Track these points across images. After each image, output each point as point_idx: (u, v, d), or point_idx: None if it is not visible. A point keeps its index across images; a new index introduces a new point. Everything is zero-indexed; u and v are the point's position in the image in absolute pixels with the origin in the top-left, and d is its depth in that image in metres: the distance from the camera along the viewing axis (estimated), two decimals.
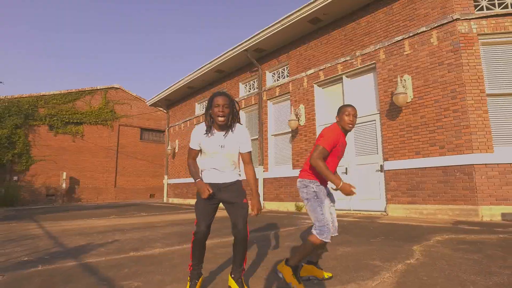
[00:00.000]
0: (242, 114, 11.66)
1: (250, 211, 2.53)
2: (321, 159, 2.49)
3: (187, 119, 14.82)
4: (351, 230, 5.22)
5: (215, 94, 2.46)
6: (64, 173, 16.95)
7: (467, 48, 6.01)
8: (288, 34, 9.28)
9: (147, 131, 21.30)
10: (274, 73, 10.59)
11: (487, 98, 5.92)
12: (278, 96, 10.02)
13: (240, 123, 2.59)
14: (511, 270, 2.77)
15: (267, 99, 10.39)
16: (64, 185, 16.90)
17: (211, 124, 2.47)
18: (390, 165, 6.85)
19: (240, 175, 2.64)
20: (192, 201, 13.68)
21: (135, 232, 5.82)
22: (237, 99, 11.60)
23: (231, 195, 2.52)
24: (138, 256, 3.94)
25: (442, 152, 6.08)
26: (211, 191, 2.41)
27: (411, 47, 6.72)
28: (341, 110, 2.66)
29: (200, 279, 2.54)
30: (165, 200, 16.00)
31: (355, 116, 2.63)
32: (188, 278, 2.55)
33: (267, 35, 9.38)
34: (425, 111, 6.41)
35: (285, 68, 10.08)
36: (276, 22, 8.94)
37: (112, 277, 3.07)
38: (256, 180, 2.58)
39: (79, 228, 6.57)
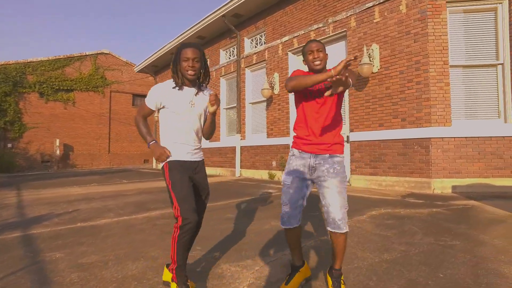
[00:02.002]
0: (222, 82, 11.52)
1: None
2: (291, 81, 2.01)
3: None
4: None
5: (183, 45, 2.07)
6: (58, 140, 17.24)
7: (434, 16, 5.73)
8: None
9: (139, 96, 21.23)
10: (252, 40, 10.29)
11: (450, 70, 5.75)
12: (255, 63, 9.81)
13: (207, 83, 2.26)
14: (406, 247, 2.88)
15: (245, 67, 10.19)
16: (58, 152, 17.26)
17: (180, 80, 2.09)
18: (355, 136, 6.84)
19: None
20: None
21: (100, 201, 6.03)
22: (217, 67, 11.45)
23: (202, 182, 2.26)
24: (82, 226, 4.14)
25: (403, 125, 6.03)
26: (169, 154, 2.09)
27: (381, 15, 6.43)
28: (304, 51, 2.18)
29: (189, 282, 2.09)
30: (154, 166, 16.33)
31: (319, 51, 2.09)
32: (175, 284, 2.08)
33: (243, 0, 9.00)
34: (390, 82, 6.26)
35: (262, 35, 9.78)
36: None
37: (42, 248, 3.27)
38: (213, 126, 2.30)
39: (52, 197, 6.82)
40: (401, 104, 6.07)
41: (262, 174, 9.29)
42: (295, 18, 8.39)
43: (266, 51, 9.29)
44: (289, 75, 8.50)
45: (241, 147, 10.18)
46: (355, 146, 6.87)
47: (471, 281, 2.19)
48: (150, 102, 2.16)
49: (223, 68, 11.27)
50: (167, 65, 15.31)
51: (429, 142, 5.67)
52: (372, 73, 6.48)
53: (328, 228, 1.99)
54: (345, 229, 1.94)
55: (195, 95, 2.15)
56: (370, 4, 6.57)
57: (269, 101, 9.13)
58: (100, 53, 19.34)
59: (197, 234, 2.27)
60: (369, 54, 6.43)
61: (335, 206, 1.94)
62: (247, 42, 10.37)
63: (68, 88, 18.20)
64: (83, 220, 4.48)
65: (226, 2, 9.44)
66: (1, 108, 16.20)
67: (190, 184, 2.12)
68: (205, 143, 12.10)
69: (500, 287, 2.11)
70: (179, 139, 2.14)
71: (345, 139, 7.15)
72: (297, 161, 2.08)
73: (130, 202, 5.88)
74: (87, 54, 18.82)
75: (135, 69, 16.87)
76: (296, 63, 8.62)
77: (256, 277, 2.39)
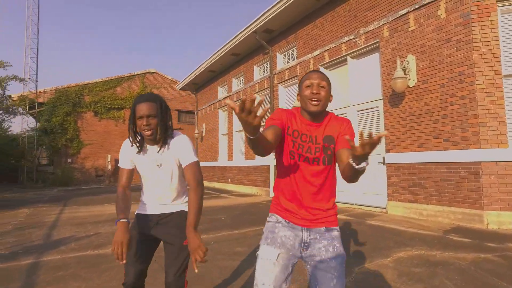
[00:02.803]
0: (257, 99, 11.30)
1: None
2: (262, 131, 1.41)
3: (212, 102, 14.89)
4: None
5: (136, 101, 1.84)
6: (109, 156, 18.40)
7: (481, 19, 4.93)
8: (293, 12, 8.58)
9: (184, 113, 21.97)
10: (284, 55, 9.98)
11: (504, 81, 4.86)
12: (287, 79, 9.47)
13: (176, 130, 1.96)
14: None
15: (278, 83, 9.89)
16: (109, 167, 18.41)
17: (137, 140, 1.88)
18: (392, 157, 6.12)
19: (186, 204, 2.00)
20: (217, 185, 13.97)
21: None
22: (251, 83, 11.30)
23: (170, 231, 1.92)
24: (89, 255, 4.11)
25: (446, 146, 5.23)
26: (123, 255, 1.69)
27: (417, 22, 5.73)
28: (301, 81, 1.61)
29: None
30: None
31: (321, 87, 1.54)
32: None
33: (272, 15, 8.78)
34: (429, 97, 5.51)
35: (294, 50, 9.42)
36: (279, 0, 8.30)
37: (39, 281, 3.24)
38: (197, 203, 1.78)
39: (85, 216, 7.07)
40: (443, 122, 5.28)
41: None
42: (326, 31, 7.93)
43: (298, 66, 8.91)
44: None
45: (275, 166, 9.80)
46: (391, 169, 6.14)
47: None
48: (123, 161, 1.96)
49: (257, 85, 11.10)
50: (206, 83, 15.62)
51: (478, 167, 4.81)
52: (408, 87, 5.77)
53: None
54: None
55: (160, 153, 1.88)
56: (404, 11, 5.91)
57: None
58: (147, 72, 20.46)
59: None
60: (404, 67, 5.74)
61: None
62: (279, 57, 10.09)
63: (119, 106, 19.45)
64: (94, 247, 4.47)
65: (257, 18, 9.31)
66: (63, 127, 17.78)
67: (141, 248, 1.89)
68: (242, 162, 11.94)
69: None
70: (145, 193, 1.99)
71: (381, 160, 6.45)
72: (286, 230, 1.56)
73: None
74: (135, 74, 20.02)
75: (177, 87, 17.51)
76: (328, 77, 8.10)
77: None
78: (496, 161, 4.74)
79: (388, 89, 6.23)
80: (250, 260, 3.74)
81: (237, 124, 12.69)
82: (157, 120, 1.81)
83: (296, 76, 9.01)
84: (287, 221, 1.57)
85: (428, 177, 5.47)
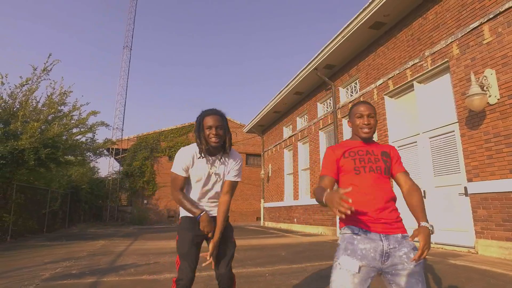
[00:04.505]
0: (321, 135, 11.08)
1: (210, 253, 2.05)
2: (320, 187, 1.56)
3: (277, 143, 15.01)
4: None
5: (205, 113, 2.08)
6: None
7: None
8: (352, 45, 8.50)
9: (252, 156, 22.50)
10: (347, 89, 9.77)
11: None
12: None
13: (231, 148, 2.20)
14: None
15: (342, 117, 9.59)
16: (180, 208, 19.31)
17: (204, 147, 2.07)
18: (476, 187, 5.23)
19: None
20: (283, 225, 13.53)
21: None
22: (315, 120, 11.19)
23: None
24: (144, 279, 4.18)
25: None
26: (212, 227, 2.08)
27: (493, 33, 5.16)
28: (351, 111, 1.84)
29: None
30: (261, 223, 16.30)
31: (370, 116, 1.75)
32: None
33: (331, 50, 8.82)
34: None
35: (357, 82, 9.18)
36: (336, 34, 8.35)
37: None
38: (224, 216, 2.11)
39: (149, 249, 7.32)
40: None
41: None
42: (388, 59, 7.61)
43: (361, 98, 8.60)
44: (387, 121, 7.53)
45: None
46: (477, 201, 5.23)
47: None
48: (178, 168, 2.10)
49: (320, 121, 10.94)
50: (271, 124, 15.96)
51: None
52: (489, 105, 5.06)
53: None
54: None
55: (219, 162, 2.14)
56: (476, 24, 5.39)
57: None
58: None
59: None
60: (481, 83, 5.10)
61: None
62: (342, 91, 9.91)
63: None
64: (150, 273, 4.52)
65: (316, 54, 9.43)
66: (141, 170, 19.53)
67: (195, 241, 2.11)
68: (307, 201, 11.50)
69: None
70: (195, 196, 2.17)
71: (462, 191, 5.57)
72: (365, 243, 1.53)
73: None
74: None
75: (244, 130, 18.18)
76: (393, 107, 7.61)
77: None
78: None
79: (463, 111, 5.55)
80: None
81: (302, 163, 12.46)
82: (223, 131, 2.05)
83: None
84: (364, 230, 1.55)
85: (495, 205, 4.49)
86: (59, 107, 8.97)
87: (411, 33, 6.87)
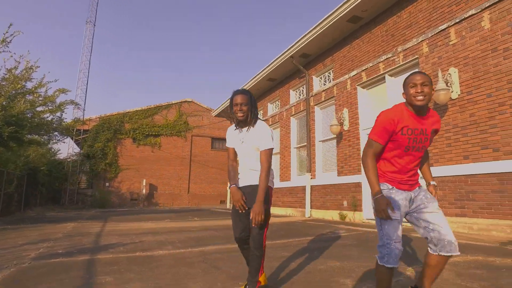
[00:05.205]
0: (293, 121, 11.52)
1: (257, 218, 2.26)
2: (370, 155, 1.92)
3: None
4: (369, 244, 4.71)
5: (234, 93, 2.48)
6: (144, 180, 19.04)
7: None
8: (329, 37, 8.91)
9: (217, 140, 22.57)
10: (321, 78, 10.23)
11: None
12: (324, 101, 9.64)
13: (260, 119, 2.56)
14: None
15: (314, 105, 10.07)
16: (144, 191, 18.99)
17: (236, 121, 2.51)
18: (436, 171, 5.94)
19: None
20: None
21: (165, 235, 6.22)
22: (287, 107, 11.57)
23: (249, 199, 2.40)
24: (139, 256, 4.25)
25: (497, 156, 5.04)
26: (244, 206, 2.34)
27: (458, 35, 5.79)
28: (405, 82, 1.94)
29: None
30: (228, 206, 16.64)
31: (424, 85, 1.85)
32: None
33: (309, 40, 9.15)
34: (475, 108, 5.42)
35: (330, 72, 9.66)
36: (316, 25, 8.68)
37: (98, 271, 3.41)
38: (264, 182, 2.31)
39: (126, 230, 7.31)
40: (492, 132, 5.14)
41: (332, 215, 8.64)
42: (362, 52, 8.13)
43: (335, 87, 9.09)
44: (359, 110, 8.08)
45: (311, 187, 9.75)
46: (436, 183, 5.95)
47: None
48: (227, 142, 2.62)
49: (293, 108, 11.34)
50: None
51: None
52: (451, 99, 5.73)
53: (441, 253, 1.88)
54: (459, 251, 1.91)
55: (246, 132, 2.48)
56: (444, 26, 6.00)
57: (339, 138, 8.72)
58: (184, 101, 21.49)
59: (249, 248, 2.41)
60: (446, 80, 5.74)
61: (446, 228, 1.89)
62: (315, 80, 10.35)
63: (156, 133, 20.38)
64: (142, 250, 4.61)
65: (294, 43, 9.72)
66: (103, 152, 18.80)
67: (238, 213, 2.45)
68: (276, 183, 11.95)
69: None
70: (239, 164, 2.57)
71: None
72: (399, 195, 1.95)
73: (192, 237, 5.93)
74: (173, 102, 21.09)
75: (212, 114, 18.16)
76: (365, 97, 8.19)
77: None
78: None
79: (429, 103, 6.20)
80: (296, 261, 3.74)
81: (274, 148, 12.84)
82: (248, 107, 2.40)
83: (333, 96, 9.16)
84: (397, 188, 1.96)
85: (477, 189, 5.25)
86: (23, 83, 8.38)
87: (386, 29, 7.40)
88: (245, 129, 2.48)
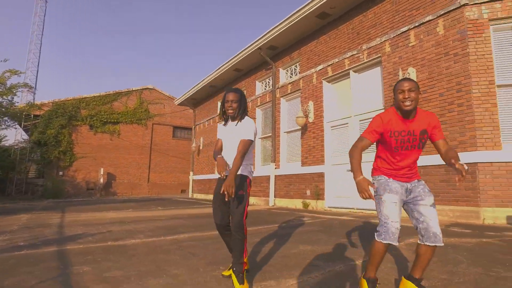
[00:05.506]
0: (258, 112, 11.70)
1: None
2: (358, 147, 2.15)
3: (211, 117, 15.19)
4: (334, 229, 5.06)
5: (227, 90, 2.75)
6: (102, 169, 18.26)
7: (476, 35, 5.48)
8: (298, 31, 9.14)
9: (179, 129, 22.16)
10: (287, 70, 10.48)
11: (497, 90, 5.36)
12: (290, 93, 9.91)
13: (248, 116, 2.79)
14: (448, 276, 2.54)
15: (280, 96, 10.31)
16: (101, 180, 18.22)
17: (227, 116, 2.79)
18: None
19: (247, 170, 2.70)
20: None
21: (133, 225, 6.14)
22: (253, 97, 11.71)
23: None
24: (111, 245, 4.20)
25: None
26: (224, 168, 2.49)
27: (417, 38, 6.28)
28: (394, 88, 2.15)
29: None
30: (190, 195, 16.56)
31: (411, 90, 2.05)
32: None
33: (278, 32, 9.31)
34: (429, 105, 5.96)
35: (297, 65, 9.93)
36: (285, 19, 8.85)
37: (72, 262, 3.34)
38: (238, 161, 2.51)
39: (89, 220, 7.07)
40: (442, 128, 5.70)
41: (296, 203, 9.01)
42: (329, 47, 8.47)
43: (301, 81, 9.38)
44: (323, 103, 8.45)
45: (275, 176, 10.05)
46: None
47: None
48: (218, 135, 2.90)
49: (258, 99, 11.50)
50: (205, 98, 15.97)
51: (475, 168, 5.20)
52: None
53: (426, 243, 2.06)
54: (443, 243, 2.08)
55: (234, 126, 2.72)
56: (405, 29, 6.47)
57: (304, 129, 9.06)
58: (145, 88, 20.74)
59: (230, 234, 2.62)
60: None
61: (435, 222, 2.06)
62: (282, 72, 10.58)
63: (115, 121, 19.52)
64: (113, 240, 4.56)
65: (262, 35, 9.82)
66: (57, 139, 17.66)
67: (218, 201, 2.69)
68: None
69: None
70: (226, 154, 2.74)
71: None
72: (395, 183, 2.17)
73: (160, 226, 5.92)
74: (133, 89, 20.27)
75: (175, 102, 17.79)
76: (330, 91, 8.57)
77: None
78: (491, 162, 5.14)
79: (389, 100, 6.69)
80: (269, 246, 3.95)
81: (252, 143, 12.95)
82: (237, 104, 2.68)
83: (299, 89, 9.45)
84: (391, 178, 2.19)
85: (428, 179, 5.82)
86: None
87: (352, 27, 7.77)
88: (234, 123, 2.74)
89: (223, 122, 2.85)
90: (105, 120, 19.18)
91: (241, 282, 2.36)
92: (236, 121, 2.72)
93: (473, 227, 4.70)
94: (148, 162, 20.65)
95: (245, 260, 2.51)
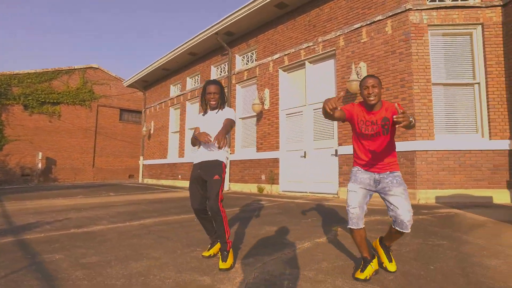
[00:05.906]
0: None
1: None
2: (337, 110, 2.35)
3: (162, 100, 14.80)
4: (292, 211, 5.48)
5: (208, 82, 2.97)
6: (40, 153, 16.83)
7: (417, 38, 6.17)
8: (256, 18, 9.28)
9: (126, 112, 21.13)
10: (243, 57, 10.62)
11: (432, 88, 6.14)
12: (246, 80, 10.10)
13: (228, 106, 3.06)
14: (398, 246, 3.04)
15: (236, 83, 10.45)
16: (40, 165, 16.82)
17: (206, 107, 3.01)
18: (343, 150, 7.09)
19: (222, 156, 2.88)
20: (165, 182, 13.91)
21: (90, 211, 5.97)
22: None
23: (205, 172, 2.83)
24: (76, 232, 4.12)
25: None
26: (209, 136, 2.58)
27: (368, 35, 6.85)
28: (360, 84, 2.42)
29: (213, 245, 2.95)
30: (140, 180, 16.13)
31: (374, 86, 2.31)
32: None
33: (236, 19, 9.35)
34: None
35: (254, 53, 10.12)
36: (243, 6, 8.91)
37: (39, 251, 3.25)
38: (227, 125, 2.75)
39: (38, 207, 6.68)
40: None
41: (251, 188, 9.38)
42: (286, 37, 8.77)
43: (257, 68, 9.60)
44: (279, 91, 8.80)
45: (231, 161, 10.28)
46: (343, 160, 7.11)
47: (458, 271, 2.37)
48: (195, 124, 3.10)
49: None
50: (157, 81, 15.45)
51: (413, 155, 5.96)
52: (359, 89, 6.81)
53: (397, 228, 2.33)
54: (409, 230, 2.30)
55: (215, 114, 2.94)
56: (358, 25, 7.00)
57: (259, 116, 9.36)
58: (89, 67, 19.29)
59: (209, 217, 2.88)
60: (357, 72, 6.78)
61: (403, 210, 2.28)
62: (238, 59, 10.68)
63: (55, 101, 17.97)
64: (76, 227, 4.45)
65: (220, 20, 9.78)
66: None
67: (194, 186, 2.92)
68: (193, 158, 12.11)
69: (484, 275, 2.29)
70: (202, 144, 2.97)
71: (334, 152, 7.41)
72: (363, 174, 2.45)
73: (121, 212, 5.85)
74: (75, 68, 18.74)
75: (124, 84, 16.90)
76: (286, 80, 8.93)
77: (260, 272, 2.49)
78: (426, 150, 5.94)
79: (341, 91, 7.24)
80: (239, 228, 4.22)
81: (190, 122, 12.87)
82: (218, 95, 2.94)
83: (255, 76, 9.68)
84: (363, 170, 2.47)
85: None
86: None
87: (309, 19, 8.13)
88: (214, 111, 2.99)
89: (202, 113, 3.05)
90: (42, 100, 17.53)
91: (226, 259, 2.58)
92: (217, 110, 2.96)
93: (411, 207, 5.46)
94: (93, 146, 19.47)
95: (227, 239, 2.72)
